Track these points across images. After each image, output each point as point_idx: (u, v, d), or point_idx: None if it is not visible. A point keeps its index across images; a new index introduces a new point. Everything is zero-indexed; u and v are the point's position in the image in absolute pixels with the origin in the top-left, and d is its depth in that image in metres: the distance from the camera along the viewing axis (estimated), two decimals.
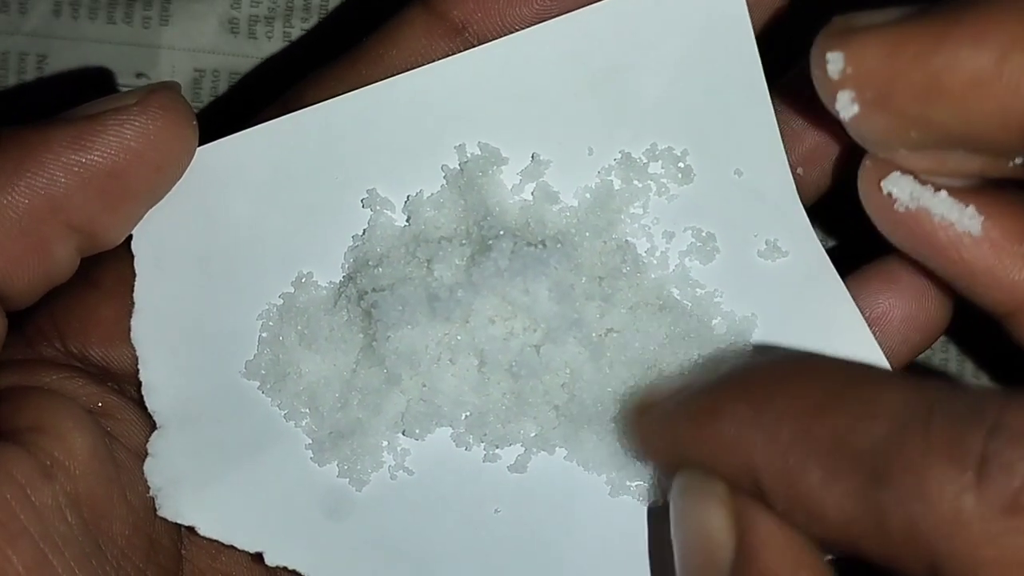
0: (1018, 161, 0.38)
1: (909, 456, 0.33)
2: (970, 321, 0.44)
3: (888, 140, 0.39)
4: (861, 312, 0.44)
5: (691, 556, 0.38)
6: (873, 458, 0.33)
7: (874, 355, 0.43)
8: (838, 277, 0.44)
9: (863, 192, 0.41)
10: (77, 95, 0.59)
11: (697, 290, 0.45)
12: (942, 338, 0.51)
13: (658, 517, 0.44)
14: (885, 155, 0.40)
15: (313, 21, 0.60)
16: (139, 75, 0.60)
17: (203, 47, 0.60)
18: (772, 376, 0.37)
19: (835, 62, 0.37)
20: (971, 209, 0.40)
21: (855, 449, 0.34)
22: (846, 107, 0.38)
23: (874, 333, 0.43)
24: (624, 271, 0.44)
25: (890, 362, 0.43)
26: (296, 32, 0.60)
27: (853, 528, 0.34)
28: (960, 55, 0.35)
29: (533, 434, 0.44)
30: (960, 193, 0.40)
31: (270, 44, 0.60)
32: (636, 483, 0.44)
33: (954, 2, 0.36)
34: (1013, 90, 0.35)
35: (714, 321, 0.44)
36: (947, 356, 0.59)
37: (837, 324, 0.44)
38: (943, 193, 0.40)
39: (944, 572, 0.33)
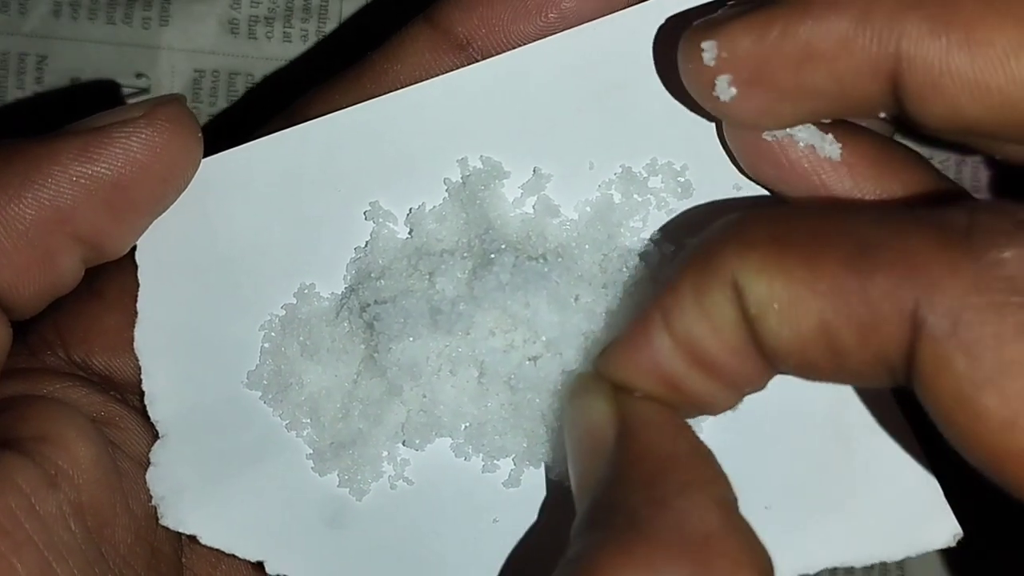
0: (883, 115, 0.40)
1: (893, 227, 0.36)
2: None
3: (764, 117, 0.41)
4: None
5: (578, 447, 0.40)
6: (859, 234, 0.36)
7: None
8: None
9: (729, 133, 0.44)
10: (77, 96, 0.59)
11: None
12: None
13: None
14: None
15: (314, 22, 0.60)
16: (139, 75, 0.60)
17: (203, 48, 0.60)
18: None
19: (709, 50, 0.40)
20: (830, 136, 0.42)
21: (842, 228, 0.37)
22: (724, 91, 0.40)
23: None
24: (626, 279, 0.44)
25: None
26: (296, 33, 0.60)
27: (833, 304, 0.36)
28: (827, 20, 0.38)
29: (524, 447, 0.44)
30: (819, 126, 0.42)
31: (270, 45, 0.60)
32: None
33: None
34: (877, 42, 0.38)
35: None
36: None
37: None
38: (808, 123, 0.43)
39: (926, 329, 0.35)
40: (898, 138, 0.46)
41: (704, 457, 0.37)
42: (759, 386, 0.39)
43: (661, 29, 0.44)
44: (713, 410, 0.40)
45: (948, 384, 0.35)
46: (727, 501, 0.36)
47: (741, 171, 0.44)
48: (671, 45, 0.44)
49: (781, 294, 0.36)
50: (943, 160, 0.56)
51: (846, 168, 0.42)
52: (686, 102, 0.44)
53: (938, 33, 0.37)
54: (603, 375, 0.40)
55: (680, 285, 0.38)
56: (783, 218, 0.38)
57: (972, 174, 0.57)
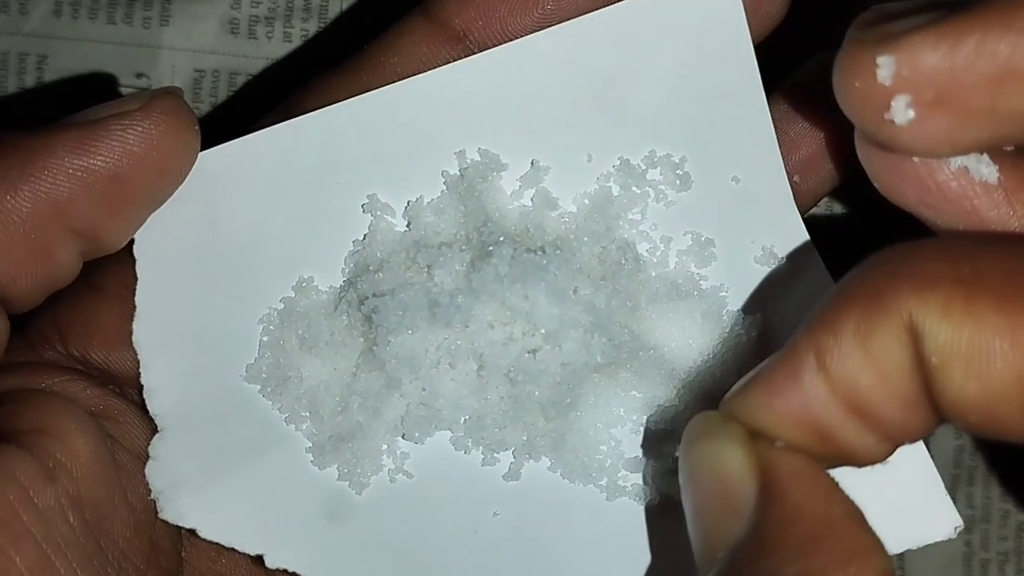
0: None
1: None
2: None
3: (943, 144, 0.37)
4: None
5: (706, 504, 0.36)
6: None
7: None
8: (834, 283, 0.44)
9: (864, 149, 0.40)
10: (77, 95, 0.59)
11: (703, 283, 0.45)
12: None
13: (657, 515, 0.44)
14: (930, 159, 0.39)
15: (313, 21, 0.60)
16: (139, 75, 0.60)
17: (203, 47, 0.61)
18: None
19: (886, 66, 0.36)
20: (986, 157, 0.38)
21: None
22: (901, 113, 0.36)
23: None
24: (626, 269, 0.44)
25: None
26: (296, 32, 0.61)
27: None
28: None
29: (523, 439, 0.44)
30: None
31: (270, 44, 0.60)
32: (632, 483, 0.44)
33: None
34: None
35: (723, 314, 0.45)
36: None
37: None
38: None
39: None
40: None
41: (862, 522, 0.34)
42: (917, 439, 0.36)
43: (658, 20, 0.44)
44: (860, 463, 0.36)
45: None
46: (889, 573, 0.33)
47: (740, 164, 0.44)
48: (669, 36, 0.44)
49: (971, 343, 0.33)
50: None
51: (1003, 192, 0.38)
52: (685, 93, 0.44)
53: None
54: (736, 418, 0.36)
55: (840, 322, 0.34)
56: (968, 252, 0.34)
57: None
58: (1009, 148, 0.38)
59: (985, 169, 0.38)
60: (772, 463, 0.35)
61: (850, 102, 0.37)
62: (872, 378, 0.34)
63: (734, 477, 0.35)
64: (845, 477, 0.43)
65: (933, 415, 0.35)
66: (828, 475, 0.35)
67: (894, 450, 0.36)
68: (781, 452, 0.35)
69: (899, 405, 0.34)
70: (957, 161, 0.38)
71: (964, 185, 0.38)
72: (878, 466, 0.43)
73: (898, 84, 0.35)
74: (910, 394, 0.34)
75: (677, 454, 0.38)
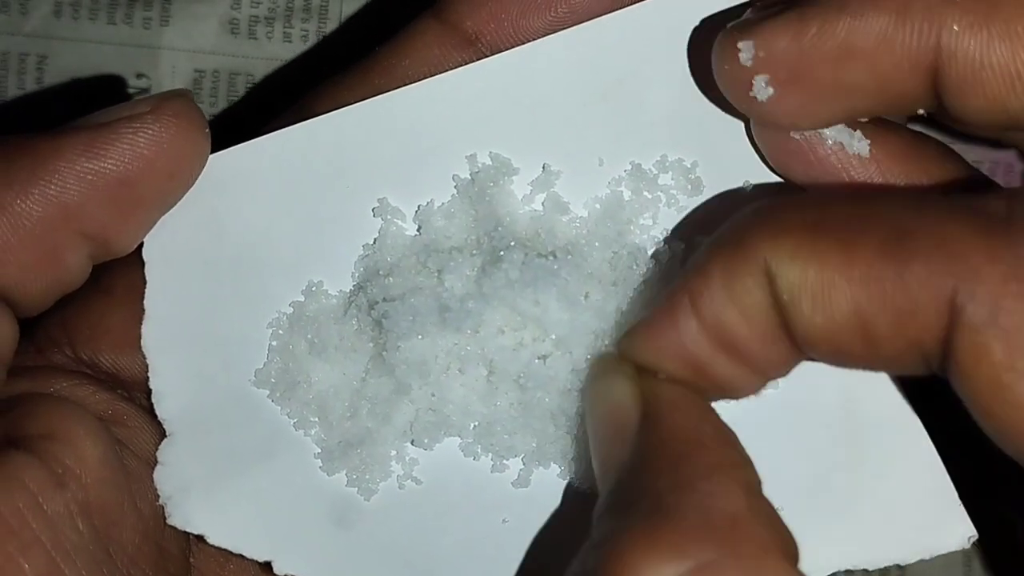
0: (921, 112, 0.41)
1: (930, 214, 0.36)
2: None
3: (801, 117, 0.41)
4: None
5: (601, 429, 0.39)
6: (895, 221, 0.36)
7: None
8: None
9: (757, 131, 0.44)
10: (77, 96, 0.59)
11: None
12: None
13: None
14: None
15: (314, 22, 0.60)
16: (139, 76, 0.60)
17: (203, 48, 0.60)
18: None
19: (746, 50, 0.40)
20: (859, 133, 0.42)
21: (878, 215, 0.37)
22: (762, 91, 0.40)
23: None
24: (637, 274, 0.44)
25: None
26: (296, 33, 0.60)
27: (868, 291, 0.36)
28: (865, 16, 0.38)
29: (533, 446, 0.44)
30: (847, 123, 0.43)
31: (270, 45, 0.60)
32: None
33: None
34: (917, 37, 0.38)
35: None
36: None
37: None
38: None
39: (964, 317, 0.35)
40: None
41: (729, 440, 0.37)
42: (784, 372, 0.39)
43: (671, 23, 0.44)
44: (736, 395, 0.40)
45: (985, 372, 0.35)
46: (752, 484, 0.36)
47: (767, 167, 0.44)
48: (682, 40, 0.44)
49: (815, 280, 0.36)
50: (975, 161, 0.56)
51: (875, 164, 0.42)
52: (697, 98, 0.44)
53: (979, 26, 0.37)
54: (627, 357, 0.40)
55: (709, 269, 0.38)
56: (817, 204, 0.39)
57: (1004, 177, 0.57)
58: (863, 119, 0.42)
59: (858, 143, 0.42)
60: (654, 393, 0.38)
61: (722, 83, 0.42)
62: (736, 316, 0.38)
63: (622, 407, 0.38)
64: (857, 481, 0.43)
65: (792, 349, 0.38)
66: (703, 402, 0.39)
67: (765, 383, 0.40)
68: (663, 383, 0.39)
69: (760, 340, 0.38)
70: (833, 136, 0.42)
71: (841, 158, 0.42)
72: (891, 476, 0.43)
73: (757, 65, 0.40)
74: (769, 330, 0.38)
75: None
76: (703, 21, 0.44)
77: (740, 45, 0.40)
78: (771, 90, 0.40)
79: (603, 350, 0.43)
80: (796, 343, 0.38)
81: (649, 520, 0.35)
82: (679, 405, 0.38)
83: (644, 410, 0.38)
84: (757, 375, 0.39)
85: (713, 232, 0.44)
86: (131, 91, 0.60)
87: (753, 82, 0.40)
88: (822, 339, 0.37)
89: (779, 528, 0.35)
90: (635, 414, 0.38)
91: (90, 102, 0.60)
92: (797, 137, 0.42)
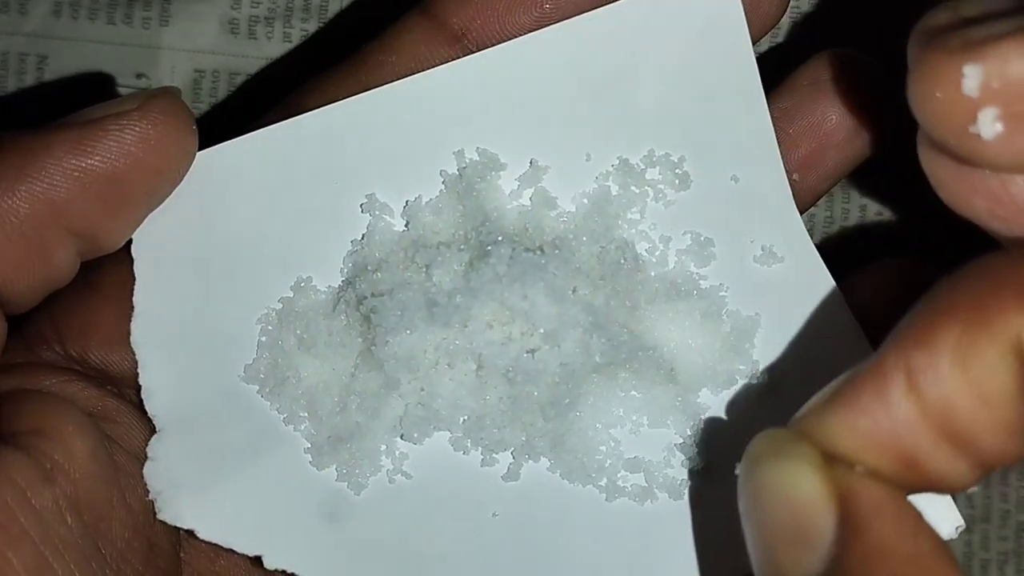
0: None
1: None
2: None
3: None
4: None
5: (775, 532, 0.33)
6: None
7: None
8: (833, 282, 0.44)
9: (929, 157, 0.36)
10: (77, 96, 0.59)
11: (702, 283, 0.45)
12: None
13: (658, 515, 0.44)
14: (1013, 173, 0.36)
15: (313, 22, 0.60)
16: (139, 76, 0.60)
17: (203, 48, 0.60)
18: None
19: (973, 76, 0.32)
20: None
21: None
22: (988, 127, 0.33)
23: None
24: (625, 268, 0.44)
25: None
26: (296, 33, 0.60)
27: None
28: None
29: (522, 440, 0.44)
30: None
31: (270, 45, 0.60)
32: (632, 483, 0.44)
33: None
34: None
35: (723, 314, 0.45)
36: None
37: (832, 328, 0.44)
38: None
39: None
40: None
41: (951, 561, 0.32)
42: (1013, 465, 0.35)
43: (658, 19, 0.44)
44: (948, 490, 0.33)
45: None
46: None
47: (739, 163, 0.44)
48: (669, 35, 0.44)
49: None
50: None
51: None
52: (684, 93, 0.44)
53: None
54: (809, 439, 0.33)
55: (937, 339, 0.31)
56: None
57: None
58: None
59: None
60: (852, 491, 0.32)
61: (930, 113, 0.34)
62: (971, 402, 0.31)
63: (809, 504, 0.32)
64: None
65: None
66: (914, 507, 0.32)
67: (985, 476, 0.33)
68: (862, 479, 0.32)
69: (1000, 432, 0.32)
70: None
71: None
72: None
73: (986, 96, 0.33)
74: (1014, 420, 0.31)
75: (737, 472, 0.35)
76: (690, 15, 0.44)
77: (966, 70, 0.32)
78: (1000, 127, 0.33)
79: (593, 344, 0.43)
80: None
81: None
82: (888, 511, 0.32)
83: (842, 514, 0.32)
84: (980, 469, 0.33)
85: (707, 230, 0.44)
86: (131, 91, 0.60)
87: (979, 115, 0.33)
88: None
89: None
90: (830, 517, 0.32)
91: (90, 102, 0.59)
92: (988, 171, 0.35)
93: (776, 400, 0.44)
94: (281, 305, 0.45)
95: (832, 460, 0.33)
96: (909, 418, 0.31)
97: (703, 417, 0.44)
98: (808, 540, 0.32)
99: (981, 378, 0.31)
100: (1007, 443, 0.32)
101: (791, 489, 0.33)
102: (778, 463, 0.33)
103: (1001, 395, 0.31)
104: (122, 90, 0.60)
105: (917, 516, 0.32)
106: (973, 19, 0.34)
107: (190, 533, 0.44)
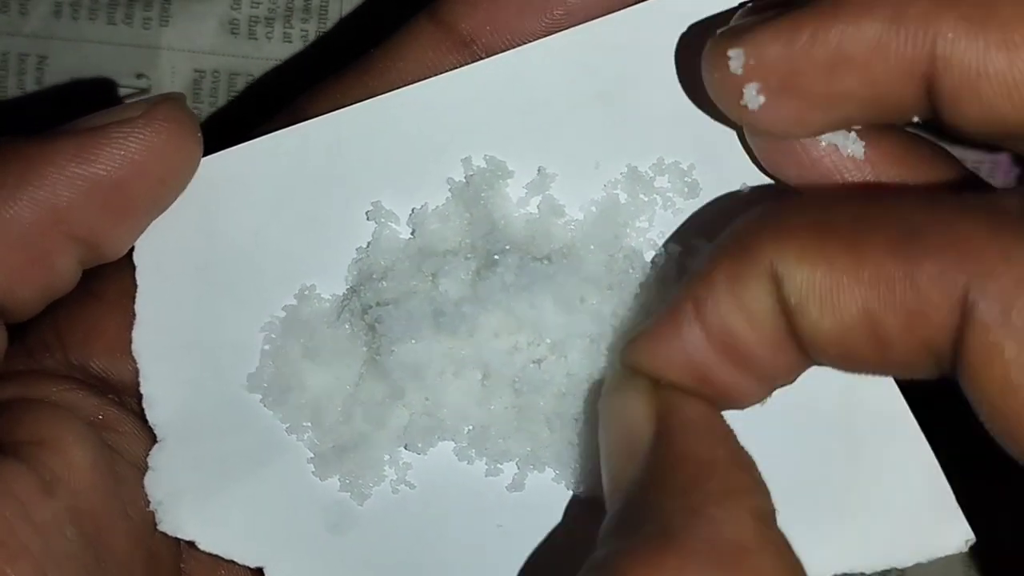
0: (915, 120, 0.40)
1: (941, 213, 0.36)
2: None
3: (793, 125, 0.40)
4: None
5: (613, 444, 0.39)
6: (905, 220, 0.36)
7: None
8: None
9: (749, 133, 0.43)
10: (77, 96, 0.59)
11: None
12: None
13: None
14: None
15: (314, 22, 0.60)
16: (139, 76, 0.60)
17: (203, 48, 0.60)
18: None
19: (736, 58, 0.39)
20: (853, 135, 0.41)
21: (887, 214, 0.36)
22: (752, 99, 0.39)
23: None
24: (634, 277, 0.44)
25: None
26: (296, 33, 0.60)
27: (878, 292, 0.35)
28: (858, 23, 0.37)
29: (527, 451, 0.44)
30: None
31: (270, 45, 0.60)
32: None
33: None
34: (912, 44, 0.37)
35: None
36: None
37: None
38: None
39: (976, 316, 0.34)
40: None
41: (744, 465, 0.36)
42: (791, 380, 0.39)
43: (668, 26, 0.44)
44: (741, 404, 0.39)
45: (997, 372, 0.34)
46: (765, 513, 0.35)
47: (760, 170, 0.44)
48: (678, 42, 0.44)
49: (823, 282, 0.36)
50: (975, 161, 0.56)
51: (869, 166, 0.41)
52: (693, 101, 0.44)
53: (975, 34, 0.36)
54: (642, 370, 0.39)
55: (714, 274, 0.37)
56: (822, 205, 0.38)
57: (1004, 177, 0.57)
58: (857, 127, 0.41)
59: (852, 145, 0.41)
60: (670, 410, 0.37)
61: (713, 91, 0.41)
62: (742, 322, 0.37)
63: (634, 422, 0.38)
64: (855, 484, 0.43)
65: (799, 355, 0.37)
66: (722, 422, 0.38)
67: (771, 391, 0.39)
68: (680, 399, 0.38)
69: (767, 346, 0.37)
70: (828, 137, 0.41)
71: (835, 160, 0.41)
72: (889, 479, 0.43)
73: (748, 73, 0.39)
74: (776, 335, 0.37)
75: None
76: (700, 23, 0.44)
77: (730, 53, 0.39)
78: (762, 98, 0.39)
79: (601, 354, 0.43)
80: (804, 349, 0.37)
81: (654, 544, 0.34)
82: (694, 424, 0.37)
83: (658, 428, 0.37)
84: (763, 383, 0.39)
85: (712, 236, 0.44)
86: (131, 91, 0.60)
87: (744, 90, 0.39)
88: (831, 343, 0.36)
89: (789, 560, 0.35)
90: (648, 431, 0.37)
91: (90, 102, 0.60)
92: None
93: (784, 405, 0.43)
94: (285, 313, 0.45)
95: (660, 387, 0.38)
96: (696, 340, 0.37)
97: None
98: (632, 451, 0.37)
99: (747, 302, 0.37)
100: (775, 356, 0.37)
101: (622, 410, 0.39)
102: (617, 393, 0.39)
103: (763, 314, 0.37)
104: (122, 90, 0.60)
105: (722, 429, 0.37)
106: (746, 16, 0.41)
107: (191, 544, 0.44)
